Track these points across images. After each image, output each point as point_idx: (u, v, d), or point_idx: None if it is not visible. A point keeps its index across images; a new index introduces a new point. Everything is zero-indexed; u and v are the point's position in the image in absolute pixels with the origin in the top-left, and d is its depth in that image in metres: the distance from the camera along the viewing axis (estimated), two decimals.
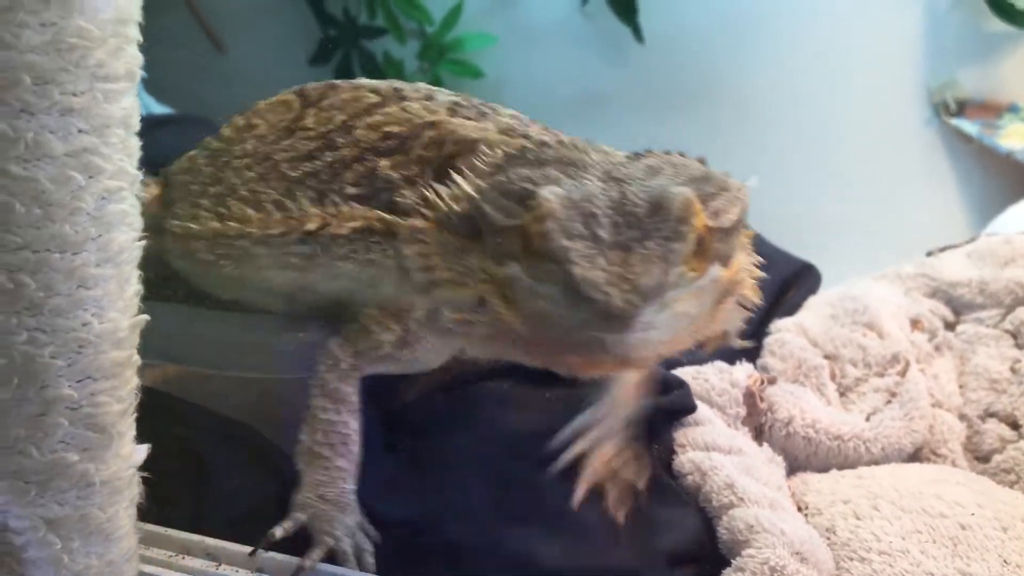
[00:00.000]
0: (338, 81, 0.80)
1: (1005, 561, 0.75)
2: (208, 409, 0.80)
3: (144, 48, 0.58)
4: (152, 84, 1.80)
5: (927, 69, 1.84)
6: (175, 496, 0.74)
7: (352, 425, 0.70)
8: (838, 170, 1.84)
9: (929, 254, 1.27)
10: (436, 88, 0.77)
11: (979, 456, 1.02)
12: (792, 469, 0.95)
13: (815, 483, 0.92)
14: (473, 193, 0.62)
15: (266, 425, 0.81)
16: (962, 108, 1.81)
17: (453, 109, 0.72)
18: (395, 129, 0.71)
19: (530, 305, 0.57)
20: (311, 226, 0.70)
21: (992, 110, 1.80)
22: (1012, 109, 1.79)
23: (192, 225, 0.78)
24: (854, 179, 1.84)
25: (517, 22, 2.01)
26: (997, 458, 1.00)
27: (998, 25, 1.76)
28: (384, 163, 0.70)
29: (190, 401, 0.80)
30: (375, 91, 0.75)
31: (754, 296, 0.67)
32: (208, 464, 0.76)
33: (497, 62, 2.00)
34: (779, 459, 0.95)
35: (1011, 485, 0.96)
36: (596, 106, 1.92)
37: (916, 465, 0.95)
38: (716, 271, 0.59)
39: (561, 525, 0.74)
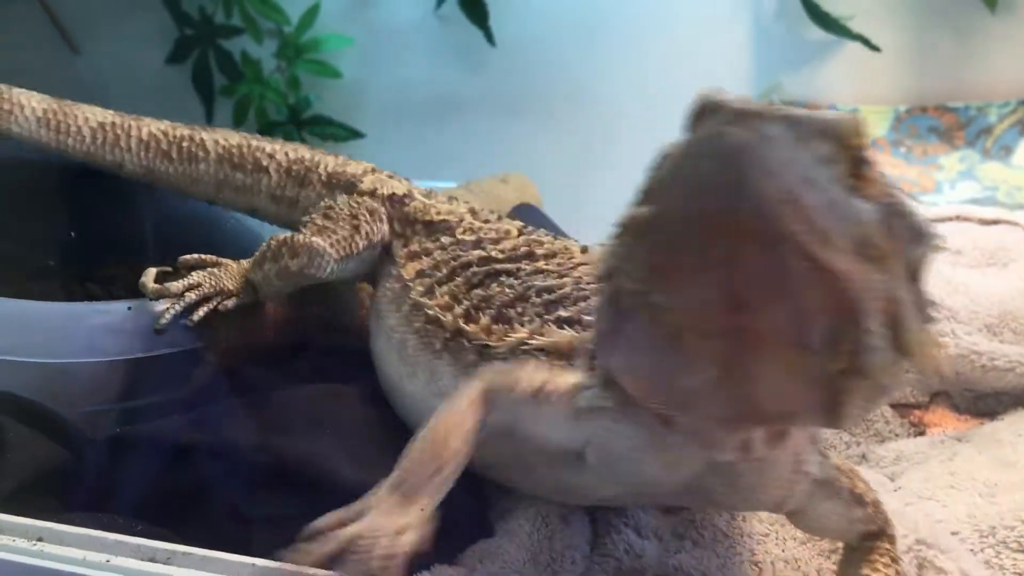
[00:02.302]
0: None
1: None
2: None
3: None
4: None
5: (757, 74, 1.97)
6: None
7: None
8: None
9: None
10: None
11: None
12: None
13: None
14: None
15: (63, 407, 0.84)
16: None
17: None
18: None
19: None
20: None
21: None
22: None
23: None
24: None
25: (374, 24, 2.07)
26: None
27: (817, 33, 1.91)
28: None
29: None
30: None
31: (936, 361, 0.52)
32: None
33: (354, 63, 2.05)
34: None
35: None
36: (450, 108, 1.99)
37: None
38: (873, 211, 0.47)
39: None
